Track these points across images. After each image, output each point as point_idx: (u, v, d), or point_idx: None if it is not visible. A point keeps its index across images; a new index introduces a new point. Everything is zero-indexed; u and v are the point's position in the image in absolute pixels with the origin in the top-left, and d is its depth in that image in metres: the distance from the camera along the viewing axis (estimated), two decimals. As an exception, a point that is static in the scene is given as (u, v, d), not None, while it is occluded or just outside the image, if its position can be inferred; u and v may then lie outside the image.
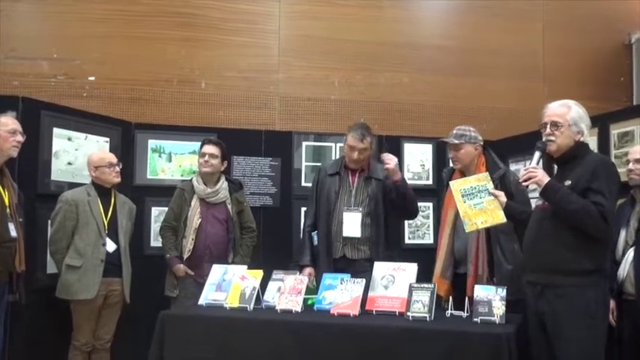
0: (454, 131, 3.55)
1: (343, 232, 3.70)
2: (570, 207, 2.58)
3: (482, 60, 5.73)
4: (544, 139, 2.80)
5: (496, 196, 3.08)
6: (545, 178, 2.67)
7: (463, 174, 3.47)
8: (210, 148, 4.05)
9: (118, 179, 3.92)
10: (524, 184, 2.79)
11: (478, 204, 3.06)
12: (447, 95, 5.61)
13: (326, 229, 3.77)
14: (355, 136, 3.68)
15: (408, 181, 5.03)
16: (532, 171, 2.73)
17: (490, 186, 3.12)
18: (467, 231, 3.15)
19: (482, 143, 3.55)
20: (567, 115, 2.76)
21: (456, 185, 3.16)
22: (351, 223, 3.70)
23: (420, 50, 5.66)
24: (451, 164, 3.66)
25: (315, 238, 3.84)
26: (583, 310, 2.56)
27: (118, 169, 3.91)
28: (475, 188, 3.10)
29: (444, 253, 3.51)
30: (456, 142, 3.49)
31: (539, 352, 2.74)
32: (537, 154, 2.82)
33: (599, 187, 2.57)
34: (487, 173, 3.23)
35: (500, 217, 3.03)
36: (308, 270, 3.74)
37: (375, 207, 3.73)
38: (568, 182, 2.66)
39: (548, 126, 2.77)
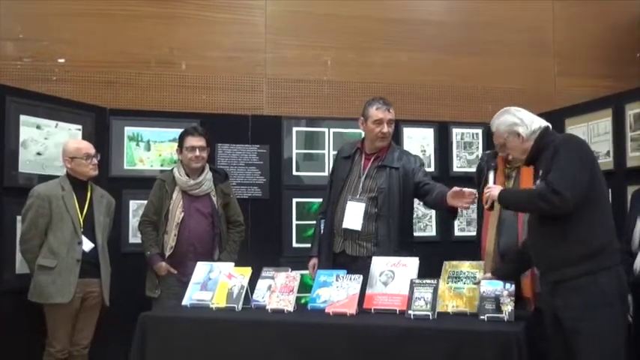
0: None
1: (343, 223, 3.59)
2: (521, 202, 2.82)
3: (487, 36, 5.71)
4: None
5: (484, 274, 3.10)
6: (496, 191, 2.88)
7: (507, 162, 3.42)
8: (199, 141, 4.03)
9: (95, 172, 3.90)
10: (488, 206, 2.98)
11: (458, 288, 3.11)
12: (449, 75, 5.60)
13: (330, 220, 3.71)
14: (380, 106, 3.65)
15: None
16: (487, 191, 2.93)
17: (479, 275, 3.11)
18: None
19: None
20: (503, 132, 2.88)
21: (448, 267, 3.20)
22: (353, 215, 3.57)
23: (419, 26, 5.64)
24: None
25: (322, 226, 3.79)
26: (598, 300, 2.58)
27: (95, 160, 3.90)
28: (464, 274, 3.15)
29: (493, 250, 3.41)
30: None
31: (556, 348, 2.76)
32: (491, 175, 3.13)
33: (556, 165, 2.64)
34: (483, 262, 3.25)
35: (473, 307, 2.99)
36: (312, 261, 3.73)
37: (385, 200, 3.58)
38: (540, 172, 2.79)
39: (500, 147, 3.00)
